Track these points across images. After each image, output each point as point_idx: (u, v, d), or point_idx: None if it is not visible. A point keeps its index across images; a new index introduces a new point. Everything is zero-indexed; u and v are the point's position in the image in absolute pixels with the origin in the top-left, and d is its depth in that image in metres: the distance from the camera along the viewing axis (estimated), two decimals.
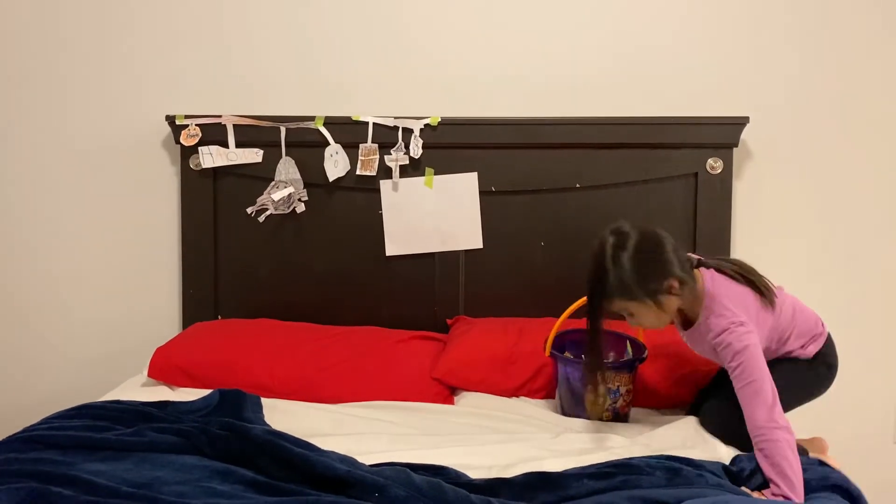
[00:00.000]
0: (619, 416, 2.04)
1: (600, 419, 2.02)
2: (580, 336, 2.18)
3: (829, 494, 1.61)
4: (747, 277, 1.87)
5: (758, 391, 1.73)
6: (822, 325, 1.99)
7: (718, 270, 1.89)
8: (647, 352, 2.07)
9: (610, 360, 2.08)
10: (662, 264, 1.78)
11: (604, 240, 1.78)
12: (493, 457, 1.78)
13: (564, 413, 2.09)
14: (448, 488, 1.45)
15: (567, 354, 2.13)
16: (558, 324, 2.07)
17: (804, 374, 1.93)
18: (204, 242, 2.62)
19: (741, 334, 1.78)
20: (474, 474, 1.62)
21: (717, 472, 1.62)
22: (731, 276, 1.88)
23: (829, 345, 1.98)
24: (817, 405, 2.60)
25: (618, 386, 2.01)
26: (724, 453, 1.83)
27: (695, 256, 1.93)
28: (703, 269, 1.88)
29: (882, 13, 2.48)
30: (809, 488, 1.64)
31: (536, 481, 1.52)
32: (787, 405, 1.81)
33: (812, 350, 1.94)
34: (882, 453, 2.62)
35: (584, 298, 1.96)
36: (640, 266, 1.76)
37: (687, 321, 1.91)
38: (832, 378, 2.00)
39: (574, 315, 2.06)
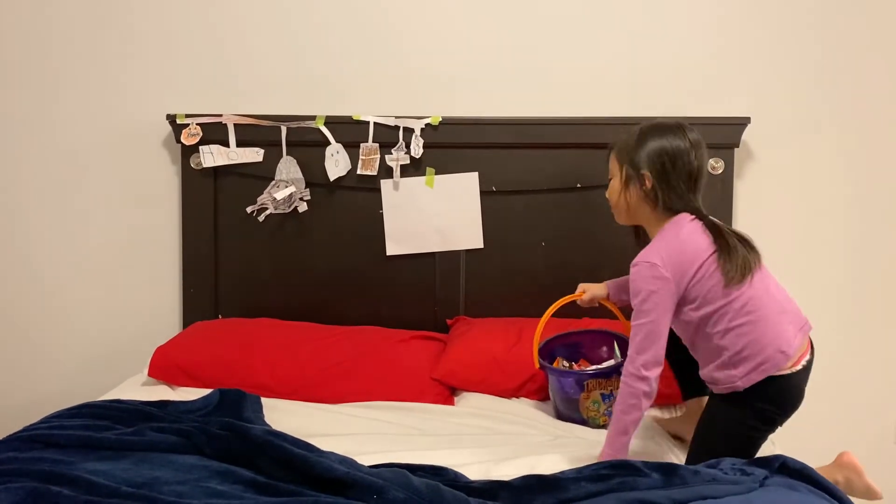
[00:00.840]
0: None
1: (598, 426, 2.02)
2: (570, 339, 2.18)
3: (786, 480, 1.58)
4: (726, 246, 1.76)
5: (645, 334, 1.74)
6: (791, 352, 1.74)
7: (709, 226, 1.79)
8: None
9: (599, 366, 2.07)
10: (661, 161, 1.81)
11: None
12: (492, 458, 1.78)
13: (560, 419, 2.09)
14: (446, 491, 1.45)
15: (559, 360, 2.13)
16: (538, 335, 2.07)
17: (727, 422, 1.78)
18: (204, 242, 2.62)
19: (648, 277, 1.75)
20: (473, 475, 1.62)
21: (713, 466, 1.61)
22: (714, 234, 1.77)
23: (776, 385, 1.74)
24: (817, 404, 2.61)
25: (611, 390, 2.00)
26: None
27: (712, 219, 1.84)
28: (685, 215, 1.82)
29: (883, 12, 2.48)
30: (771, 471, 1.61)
31: (535, 484, 1.52)
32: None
33: (754, 378, 1.73)
34: (882, 453, 2.61)
35: (559, 302, 2.05)
36: (645, 143, 1.83)
37: None
38: (766, 430, 1.80)
39: (556, 314, 2.08)
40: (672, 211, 1.82)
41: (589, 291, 2.09)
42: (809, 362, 1.79)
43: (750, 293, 1.75)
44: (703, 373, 1.83)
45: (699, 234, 1.78)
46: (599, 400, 2.00)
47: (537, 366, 2.06)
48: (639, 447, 1.88)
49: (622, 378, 1.76)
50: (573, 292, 2.11)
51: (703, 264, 1.75)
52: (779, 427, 1.81)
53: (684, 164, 1.81)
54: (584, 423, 2.03)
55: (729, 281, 1.73)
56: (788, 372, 1.75)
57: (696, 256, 1.75)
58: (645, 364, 1.73)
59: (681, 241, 1.78)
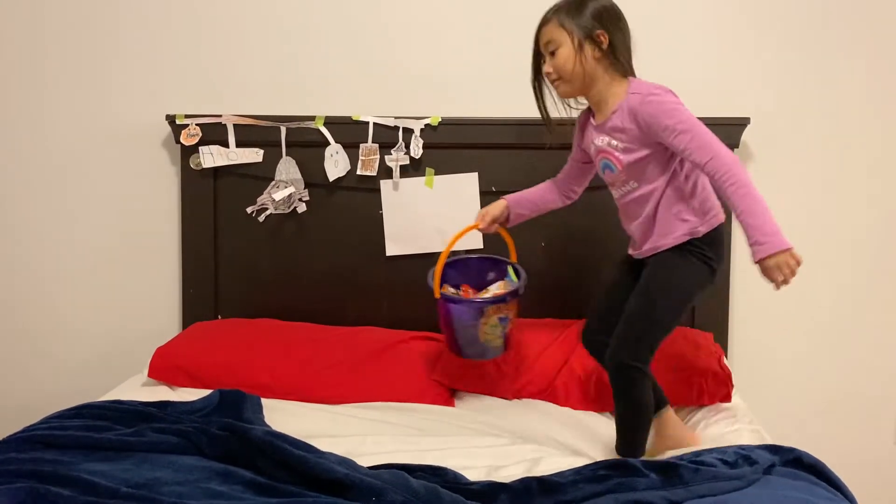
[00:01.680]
0: (507, 343, 2.07)
1: (495, 348, 2.04)
2: (454, 268, 2.16)
3: (791, 471, 1.58)
4: None
5: (700, 140, 1.74)
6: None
7: None
8: (525, 277, 2.08)
9: (504, 291, 2.08)
10: (608, 19, 1.85)
11: None
12: (492, 459, 1.78)
13: (457, 354, 2.10)
14: (445, 493, 1.45)
15: (445, 287, 2.10)
16: (439, 270, 2.04)
17: (691, 269, 1.84)
18: (204, 242, 2.62)
19: (671, 97, 1.81)
20: (473, 475, 1.62)
21: (713, 463, 1.60)
22: None
23: (718, 234, 1.87)
24: (817, 404, 2.62)
25: (506, 313, 2.02)
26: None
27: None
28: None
29: (883, 12, 2.48)
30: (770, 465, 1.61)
31: (534, 486, 1.51)
32: (673, 312, 1.82)
33: (713, 223, 1.84)
34: (882, 453, 2.62)
35: (458, 234, 2.04)
36: (588, 7, 1.83)
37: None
38: (707, 285, 1.87)
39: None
40: (623, 73, 1.87)
41: (488, 214, 2.09)
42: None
43: None
44: (669, 218, 1.85)
45: None
46: (497, 323, 2.01)
47: (438, 295, 2.03)
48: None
49: (721, 174, 1.69)
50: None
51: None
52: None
53: (627, 27, 1.89)
54: (477, 346, 2.04)
55: None
56: (721, 222, 1.87)
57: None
58: (727, 152, 1.72)
59: (661, 85, 1.84)
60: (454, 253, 2.12)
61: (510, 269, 2.15)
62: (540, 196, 2.14)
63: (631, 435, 1.85)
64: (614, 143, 1.87)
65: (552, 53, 1.86)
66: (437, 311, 2.08)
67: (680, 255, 1.84)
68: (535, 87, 1.98)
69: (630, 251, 1.99)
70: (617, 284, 1.99)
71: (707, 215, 1.85)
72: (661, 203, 1.85)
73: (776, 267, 1.65)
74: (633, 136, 1.83)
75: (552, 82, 1.91)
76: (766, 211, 1.68)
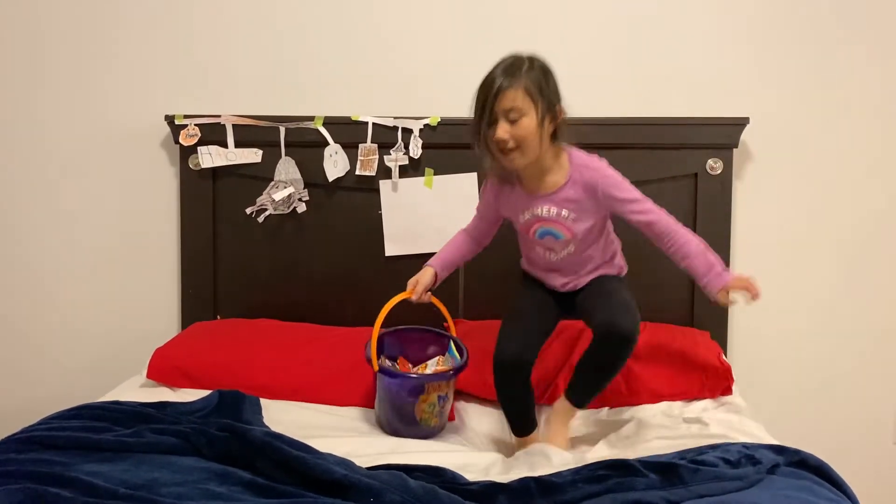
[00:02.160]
0: (443, 422, 2.04)
1: (429, 426, 2.00)
2: (393, 338, 2.14)
3: (795, 471, 1.59)
4: None
5: (650, 203, 1.91)
6: None
7: None
8: (467, 355, 2.05)
9: (439, 369, 2.07)
10: (559, 95, 1.89)
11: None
12: (490, 459, 1.78)
13: (390, 433, 2.02)
14: (443, 494, 1.45)
15: (382, 358, 2.06)
16: (374, 341, 1.99)
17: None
18: (203, 242, 2.62)
19: (614, 170, 1.92)
20: (472, 476, 1.62)
21: (715, 463, 1.60)
22: None
23: None
24: (816, 404, 2.62)
25: (446, 392, 1.99)
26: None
27: None
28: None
29: (882, 14, 2.48)
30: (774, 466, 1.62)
31: (532, 486, 1.51)
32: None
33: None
34: (882, 454, 2.62)
35: (389, 304, 1.99)
36: (548, 79, 1.87)
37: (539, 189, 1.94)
38: None
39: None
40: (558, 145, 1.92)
41: (420, 284, 2.05)
42: None
43: None
44: (608, 266, 2.05)
45: None
46: (436, 402, 1.98)
47: (376, 369, 1.97)
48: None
49: (676, 231, 1.88)
50: None
51: None
52: None
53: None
54: (413, 426, 1.98)
55: None
56: None
57: None
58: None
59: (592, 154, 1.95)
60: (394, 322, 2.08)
61: (452, 344, 2.12)
62: (461, 254, 2.18)
63: (596, 389, 1.94)
64: (565, 213, 1.91)
65: (513, 121, 1.81)
66: (374, 383, 2.06)
67: (620, 281, 2.07)
68: (487, 148, 1.90)
69: (559, 289, 2.07)
70: (540, 308, 2.06)
71: (623, 259, 2.11)
72: (595, 258, 2.02)
73: (743, 283, 1.84)
74: (586, 208, 1.91)
75: (506, 151, 1.84)
76: (712, 256, 1.90)
